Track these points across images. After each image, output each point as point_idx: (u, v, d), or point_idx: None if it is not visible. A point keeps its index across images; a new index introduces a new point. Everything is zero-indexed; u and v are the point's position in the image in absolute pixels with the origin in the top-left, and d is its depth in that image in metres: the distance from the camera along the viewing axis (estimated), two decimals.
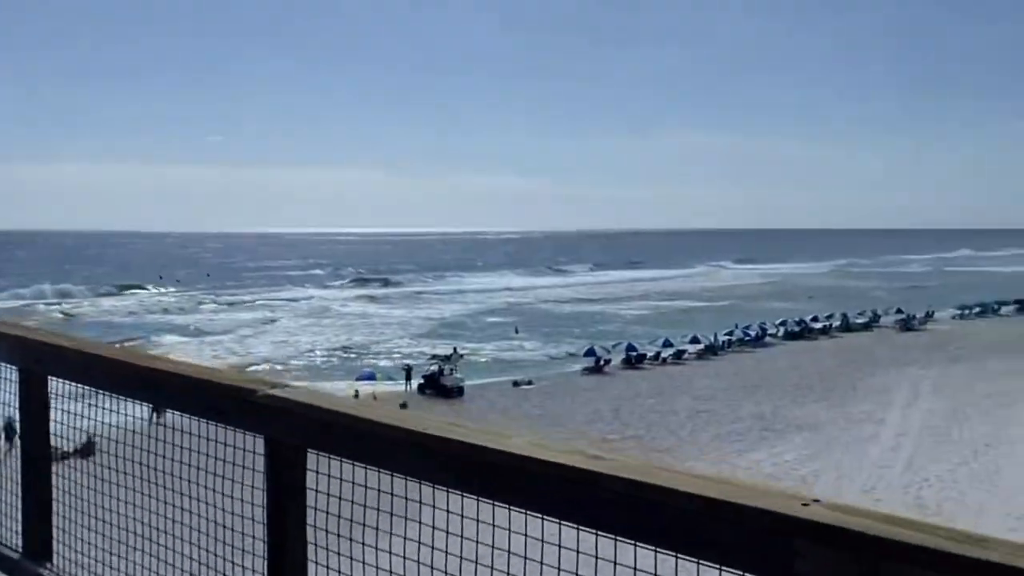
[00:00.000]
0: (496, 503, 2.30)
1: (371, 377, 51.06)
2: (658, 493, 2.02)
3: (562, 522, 2.18)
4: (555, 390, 51.82)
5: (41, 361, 3.77)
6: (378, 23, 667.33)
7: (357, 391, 47.14)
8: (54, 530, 3.93)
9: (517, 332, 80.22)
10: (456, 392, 51.20)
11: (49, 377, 3.83)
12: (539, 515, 2.22)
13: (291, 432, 2.77)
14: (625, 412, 44.71)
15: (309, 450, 2.77)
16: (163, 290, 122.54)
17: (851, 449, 35.75)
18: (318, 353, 67.74)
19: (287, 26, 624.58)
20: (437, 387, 51.79)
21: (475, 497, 2.34)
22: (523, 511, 2.25)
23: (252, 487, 3.40)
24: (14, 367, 3.96)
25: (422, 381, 52.88)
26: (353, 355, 67.45)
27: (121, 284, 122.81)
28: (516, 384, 53.28)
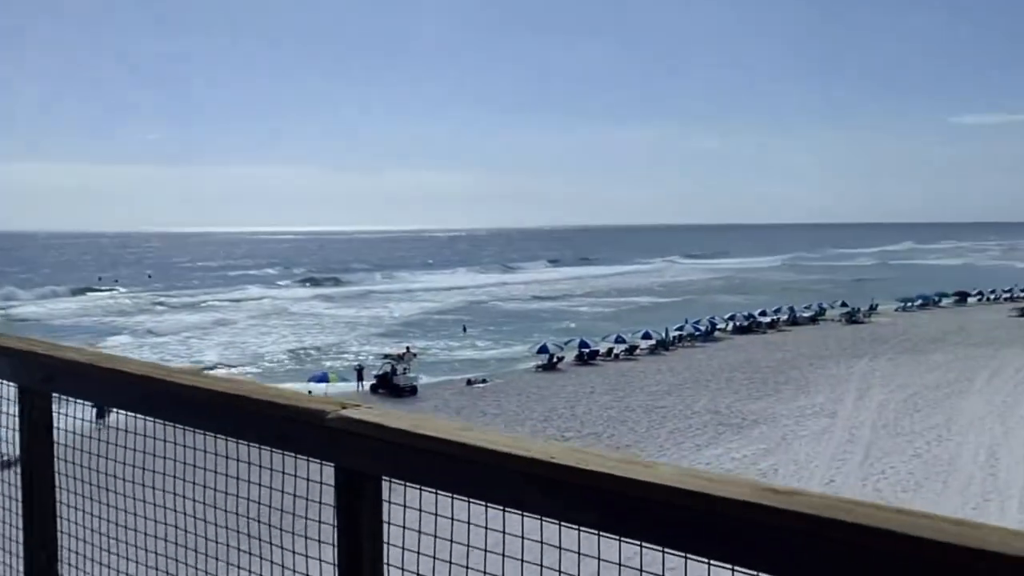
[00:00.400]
0: (645, 544, 1.98)
1: (324, 378, 50.32)
2: (855, 533, 1.71)
3: (735, 569, 1.86)
4: (509, 388, 51.58)
5: (49, 378, 3.35)
6: (311, 20, 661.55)
7: (310, 392, 46.27)
8: (60, 565, 3.53)
9: (465, 331, 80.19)
10: (409, 391, 50.81)
11: (55, 395, 3.42)
12: (703, 559, 1.91)
13: (370, 460, 2.40)
14: (581, 409, 44.59)
15: (393, 480, 2.42)
16: (107, 292, 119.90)
17: (808, 442, 36.00)
18: (269, 354, 66.67)
19: (221, 24, 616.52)
20: (390, 387, 51.33)
21: (616, 537, 2.01)
22: (682, 554, 1.93)
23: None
24: (12, 384, 3.50)
25: (374, 381, 52.36)
26: (304, 356, 66.57)
27: (64, 286, 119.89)
28: (470, 383, 52.90)
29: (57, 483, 3.55)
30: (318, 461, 2.52)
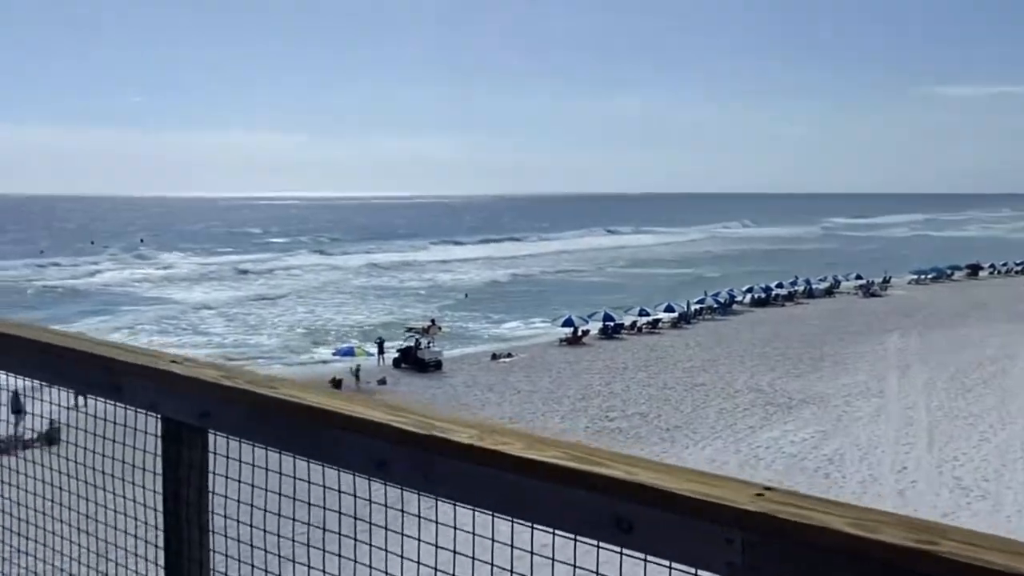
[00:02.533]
0: None
1: (350, 352, 48.68)
2: None
3: None
4: (536, 363, 50.04)
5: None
6: None
7: (359, 367, 45.12)
8: None
9: (467, 296, 79.88)
10: (434, 366, 49.23)
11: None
12: None
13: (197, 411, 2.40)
14: (618, 386, 43.16)
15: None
16: (118, 257, 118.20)
17: (865, 425, 34.68)
18: (281, 331, 64.07)
19: None
20: (414, 361, 49.75)
21: None
22: None
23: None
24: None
25: (397, 355, 50.74)
26: (321, 326, 64.75)
27: (78, 249, 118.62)
28: (495, 357, 51.37)
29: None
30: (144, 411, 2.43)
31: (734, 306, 70.45)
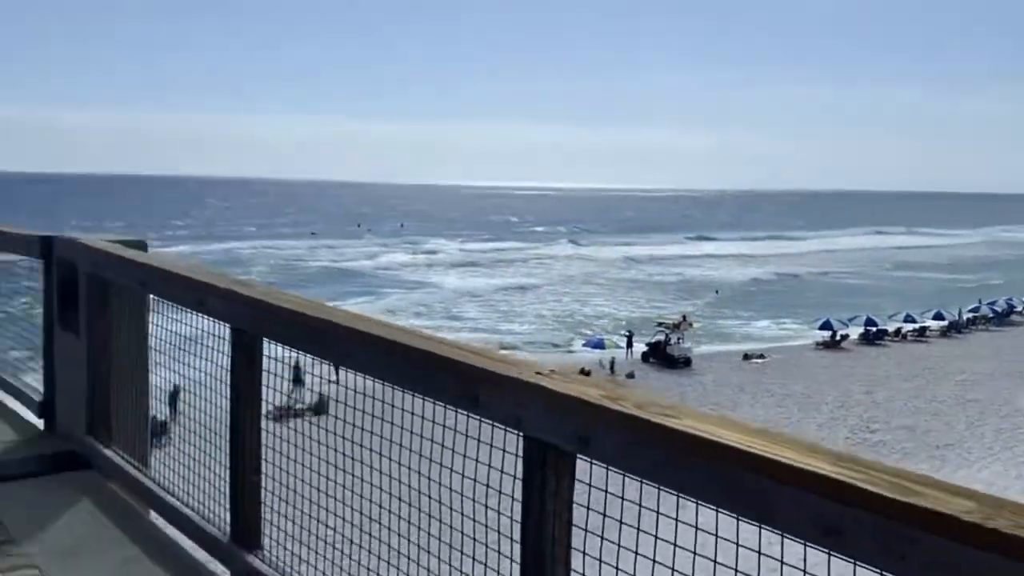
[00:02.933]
0: None
1: (600, 345, 48.87)
2: None
3: None
4: (790, 366, 48.19)
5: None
6: None
7: (613, 359, 45.72)
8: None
9: (717, 293, 79.10)
10: (683, 363, 48.52)
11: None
12: None
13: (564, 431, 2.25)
14: (881, 396, 40.74)
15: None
16: (383, 241, 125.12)
17: None
18: (532, 319, 64.95)
19: None
20: (663, 356, 49.24)
21: None
22: None
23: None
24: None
25: (646, 349, 50.37)
26: (571, 316, 65.34)
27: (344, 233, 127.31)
28: (747, 357, 49.93)
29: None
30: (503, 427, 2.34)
31: (1012, 316, 64.99)
